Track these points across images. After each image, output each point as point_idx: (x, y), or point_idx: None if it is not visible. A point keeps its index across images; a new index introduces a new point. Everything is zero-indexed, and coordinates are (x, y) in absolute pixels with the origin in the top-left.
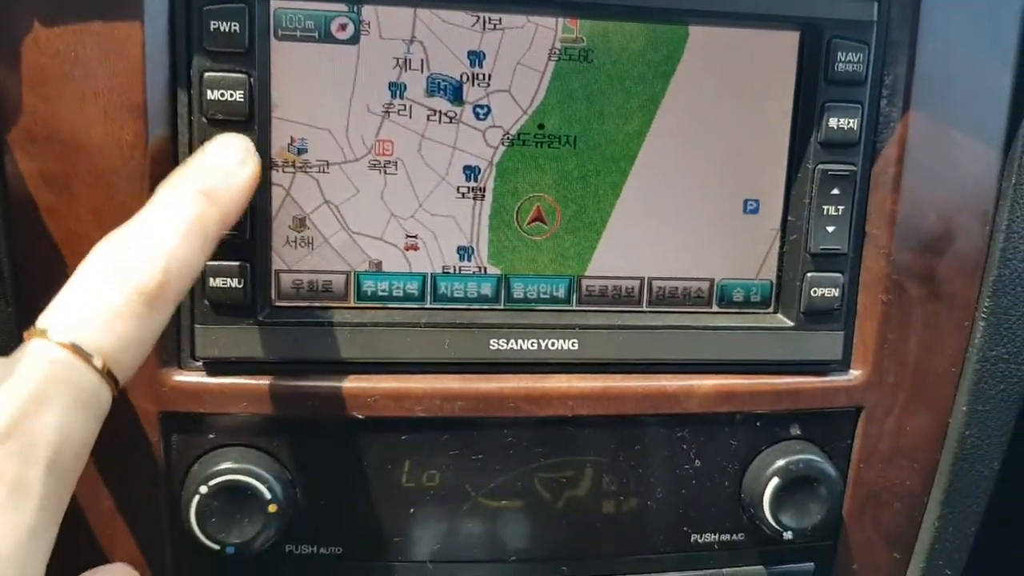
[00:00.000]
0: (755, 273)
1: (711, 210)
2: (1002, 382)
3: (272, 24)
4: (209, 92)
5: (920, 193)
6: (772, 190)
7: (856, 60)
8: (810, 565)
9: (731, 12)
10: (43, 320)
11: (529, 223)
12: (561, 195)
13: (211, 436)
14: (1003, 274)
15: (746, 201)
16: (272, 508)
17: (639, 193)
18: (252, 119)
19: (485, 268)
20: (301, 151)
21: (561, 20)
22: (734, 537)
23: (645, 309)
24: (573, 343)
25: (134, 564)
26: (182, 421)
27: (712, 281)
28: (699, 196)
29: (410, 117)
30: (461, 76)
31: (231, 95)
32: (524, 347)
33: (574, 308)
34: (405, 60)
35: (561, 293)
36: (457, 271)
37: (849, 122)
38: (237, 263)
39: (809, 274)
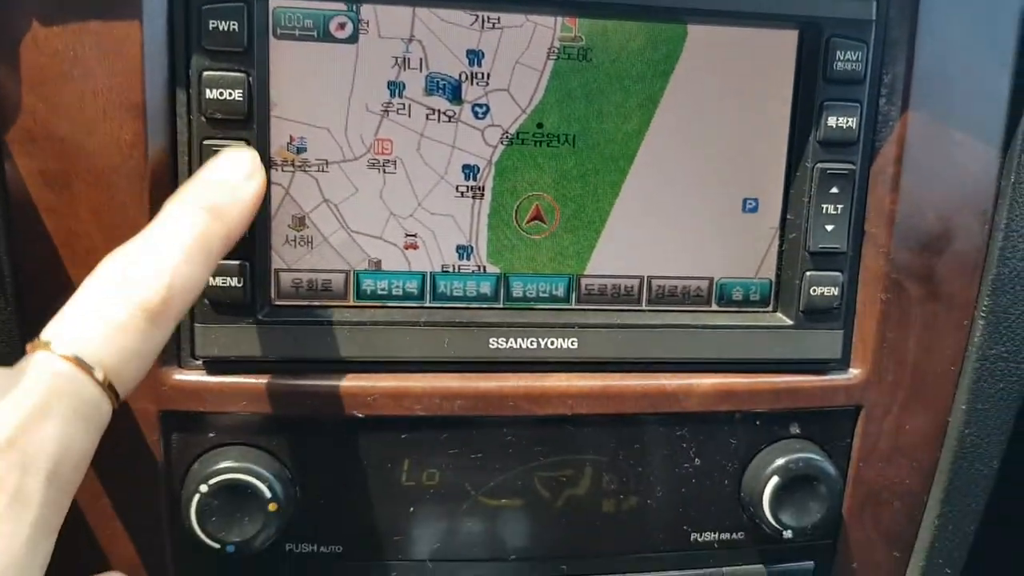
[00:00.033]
0: (754, 272)
1: (710, 209)
2: (1001, 381)
3: (271, 23)
4: (208, 91)
5: (919, 192)
6: (771, 189)
7: (855, 59)
8: (810, 564)
9: (730, 11)
10: (47, 332)
11: (528, 222)
12: (560, 194)
13: (211, 435)
14: (1002, 273)
15: (745, 200)
16: (272, 507)
17: (638, 192)
18: (251, 118)
19: (484, 267)
20: (300, 150)
21: (560, 19)
22: (734, 536)
23: (644, 308)
24: (572, 342)
25: (134, 563)
26: (182, 420)
27: (711, 280)
28: (698, 195)
29: (409, 116)
30: (460, 75)
31: (230, 94)
32: (523, 346)
33: (573, 307)
34: (404, 59)
35: (560, 292)
36: (456, 270)
37: (848, 121)
38: (236, 262)
39: (808, 273)
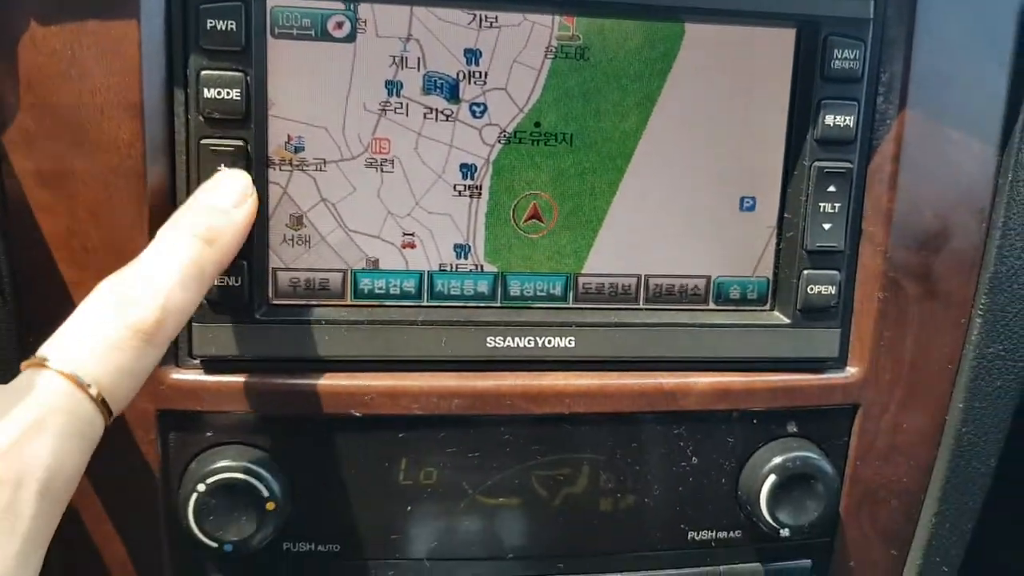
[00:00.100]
0: (752, 271)
1: (708, 207)
2: (999, 379)
3: (268, 22)
4: (206, 90)
5: (916, 190)
6: (769, 187)
7: (852, 57)
8: (807, 562)
9: (728, 10)
10: (44, 350)
11: (526, 221)
12: (558, 193)
13: (208, 434)
14: (999, 271)
15: (743, 198)
16: (270, 506)
17: (635, 191)
18: (249, 117)
19: (482, 266)
20: (298, 149)
21: (557, 18)
22: (731, 534)
23: (642, 307)
24: (570, 341)
25: (132, 563)
26: (179, 419)
27: (709, 278)
28: (695, 193)
29: (407, 115)
30: (457, 74)
31: (228, 93)
32: (521, 345)
33: (571, 306)
34: (401, 58)
35: (558, 291)
36: (454, 269)
37: (845, 119)
38: (234, 261)
39: (806, 271)
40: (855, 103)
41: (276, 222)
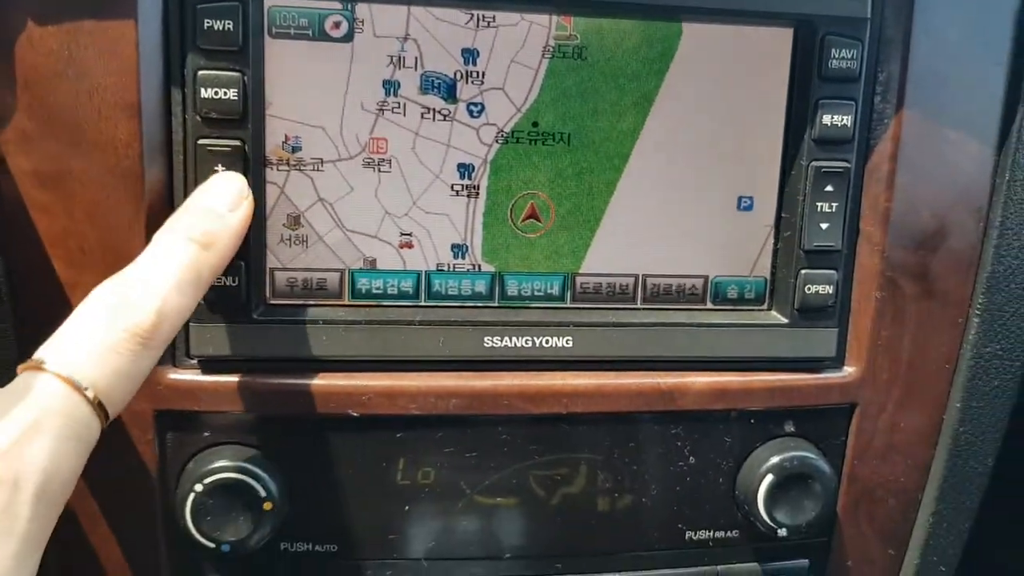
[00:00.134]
0: (749, 270)
1: (705, 207)
2: (996, 378)
3: (266, 22)
4: (203, 90)
5: (914, 190)
6: (766, 187)
7: (850, 57)
8: (804, 562)
9: (725, 9)
10: (41, 353)
11: (523, 220)
12: (555, 192)
13: (206, 434)
14: (997, 271)
15: (740, 198)
16: (267, 506)
17: (633, 190)
18: (246, 117)
19: (479, 265)
20: (295, 149)
21: (555, 17)
22: (728, 534)
23: (639, 306)
24: (567, 340)
25: (129, 563)
26: (177, 419)
27: (706, 278)
28: (693, 193)
29: (404, 115)
30: (455, 74)
31: (225, 93)
32: (518, 344)
33: (568, 305)
34: (399, 58)
35: (555, 290)
36: (451, 269)
37: (843, 119)
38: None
39: (803, 271)
40: (853, 103)
41: (273, 222)
